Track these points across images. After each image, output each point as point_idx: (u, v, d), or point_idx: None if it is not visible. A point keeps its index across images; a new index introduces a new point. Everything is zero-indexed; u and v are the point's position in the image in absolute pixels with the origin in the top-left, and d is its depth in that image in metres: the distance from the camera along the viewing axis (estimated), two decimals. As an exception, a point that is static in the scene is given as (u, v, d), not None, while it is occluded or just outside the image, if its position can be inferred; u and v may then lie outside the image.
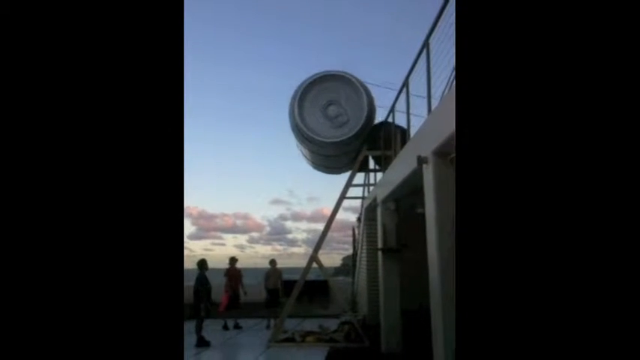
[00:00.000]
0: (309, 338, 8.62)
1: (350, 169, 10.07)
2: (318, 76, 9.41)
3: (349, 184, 9.85)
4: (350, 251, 14.62)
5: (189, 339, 8.41)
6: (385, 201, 7.78)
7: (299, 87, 9.37)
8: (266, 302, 10.95)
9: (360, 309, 11.18)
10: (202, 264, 8.71)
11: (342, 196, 9.74)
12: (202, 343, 8.24)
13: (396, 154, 7.40)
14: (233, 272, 10.77)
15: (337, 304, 11.17)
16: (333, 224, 9.87)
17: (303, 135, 9.28)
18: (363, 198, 11.47)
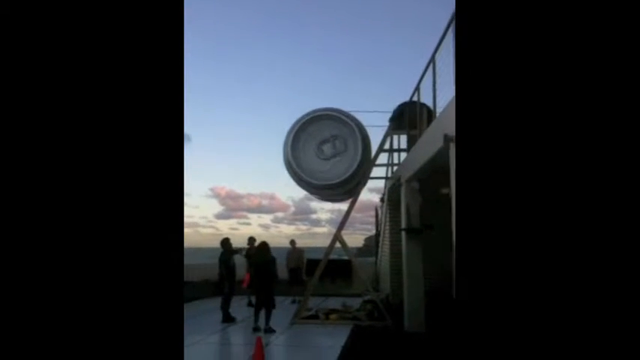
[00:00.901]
0: (332, 316, 8.73)
1: (349, 198, 9.94)
2: (310, 116, 9.34)
3: (372, 163, 9.81)
4: (373, 232, 14.65)
5: (217, 316, 8.64)
6: (409, 181, 7.73)
7: (292, 127, 9.33)
8: (289, 281, 11.18)
9: (382, 289, 11.25)
10: (225, 243, 8.85)
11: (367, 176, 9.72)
12: (228, 319, 8.44)
13: (421, 133, 7.32)
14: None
15: (360, 283, 11.26)
16: (357, 205, 9.89)
17: (299, 177, 9.25)
18: (386, 178, 11.42)
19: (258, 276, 7.84)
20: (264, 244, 8.22)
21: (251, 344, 5.94)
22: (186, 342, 6.87)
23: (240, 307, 8.80)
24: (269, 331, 7.43)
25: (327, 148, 9.17)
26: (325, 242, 10.09)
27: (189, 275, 15.29)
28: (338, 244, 9.59)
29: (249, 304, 10.21)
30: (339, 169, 8.99)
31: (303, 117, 9.37)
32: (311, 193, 9.82)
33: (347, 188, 9.54)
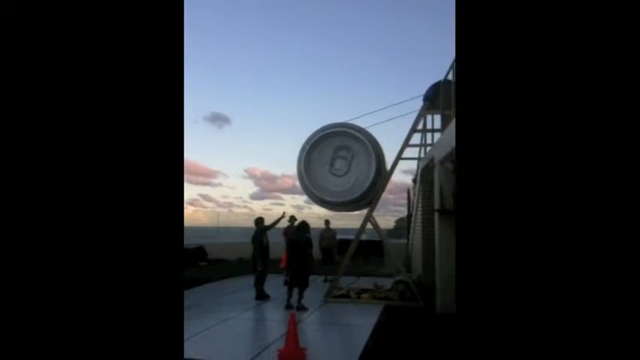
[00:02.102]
0: (364, 295, 8.80)
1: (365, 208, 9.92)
2: (323, 133, 9.38)
3: (406, 144, 9.68)
4: (404, 214, 14.57)
5: (251, 293, 8.86)
6: (443, 162, 7.60)
7: (305, 144, 9.40)
8: (322, 260, 11.33)
9: (414, 269, 11.22)
10: (259, 222, 8.99)
11: (399, 157, 9.61)
12: (262, 296, 8.62)
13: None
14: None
15: (391, 264, 11.26)
16: (390, 186, 9.86)
17: (312, 193, 9.33)
18: (419, 159, 11.27)
19: (293, 254, 7.97)
20: (304, 223, 8.39)
21: (284, 321, 6.08)
22: (219, 317, 7.11)
23: (276, 286, 8.95)
24: (301, 308, 7.57)
25: (339, 165, 9.24)
26: (356, 223, 10.12)
27: (223, 254, 15.72)
28: (370, 226, 9.60)
29: (286, 283, 10.39)
30: (352, 186, 9.05)
31: (316, 133, 9.49)
32: (323, 207, 9.90)
33: (360, 204, 9.61)
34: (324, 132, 9.40)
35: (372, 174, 9.05)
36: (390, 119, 10.47)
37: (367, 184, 9.04)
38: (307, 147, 9.39)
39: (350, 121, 9.69)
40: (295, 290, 7.80)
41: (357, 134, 9.34)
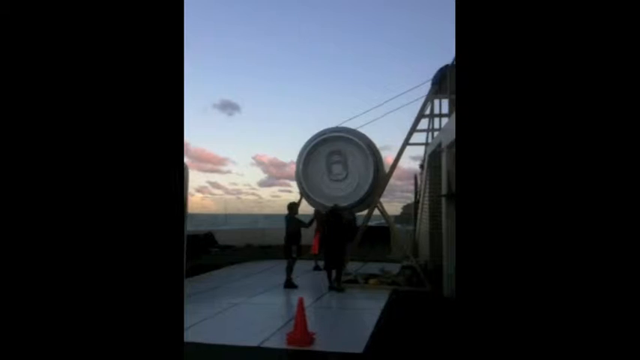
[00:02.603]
0: (371, 281, 8.86)
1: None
2: (320, 138, 9.42)
3: (413, 129, 9.65)
4: (411, 200, 14.56)
5: (258, 278, 8.94)
6: (451, 146, 7.58)
7: (303, 149, 9.46)
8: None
9: (421, 255, 11.27)
10: (291, 207, 8.95)
11: (406, 142, 9.59)
12: (290, 284, 8.50)
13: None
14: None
15: (398, 249, 11.30)
16: (398, 172, 9.85)
17: (312, 199, 9.39)
18: (426, 144, 11.23)
19: (330, 237, 8.28)
20: (336, 207, 8.62)
21: (292, 306, 6.16)
22: (229, 302, 7.19)
23: (305, 272, 9.03)
24: (338, 289, 7.91)
25: (337, 170, 9.32)
26: (365, 211, 10.16)
27: (232, 240, 15.87)
28: (377, 212, 9.63)
29: (317, 268, 10.44)
30: (357, 187, 9.14)
31: (303, 149, 9.58)
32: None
33: (368, 201, 9.65)
34: (311, 145, 9.52)
35: (371, 167, 9.16)
36: (401, 107, 10.43)
37: (370, 179, 9.12)
38: (301, 166, 9.51)
39: (363, 113, 9.82)
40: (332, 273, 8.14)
41: (343, 134, 9.48)
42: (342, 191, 9.25)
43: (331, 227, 8.47)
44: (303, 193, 9.65)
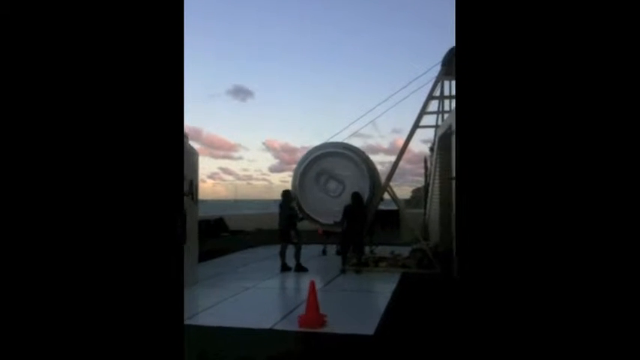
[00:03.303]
0: (382, 264, 8.91)
1: None
2: (315, 155, 9.53)
3: (423, 112, 9.56)
4: (421, 184, 14.51)
5: (273, 262, 9.03)
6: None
7: (298, 166, 9.60)
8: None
9: (431, 238, 11.27)
10: (286, 194, 9.01)
11: (416, 125, 9.52)
12: (300, 268, 8.59)
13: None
14: None
15: (408, 232, 11.31)
16: (409, 156, 9.89)
17: (334, 225, 9.36)
18: (436, 127, 11.14)
19: (350, 223, 8.50)
20: (357, 195, 8.76)
21: (304, 289, 6.22)
22: (241, 286, 7.29)
23: (312, 258, 9.12)
24: (355, 270, 8.20)
25: (333, 186, 9.41)
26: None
27: (242, 225, 15.99)
28: (387, 195, 9.62)
29: (339, 252, 10.55)
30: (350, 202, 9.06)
31: (308, 154, 9.71)
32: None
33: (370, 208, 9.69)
34: (300, 171, 9.59)
35: (366, 174, 9.36)
36: (415, 90, 10.33)
37: (367, 187, 9.27)
38: (297, 195, 9.58)
39: (377, 105, 9.92)
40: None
41: (331, 150, 9.64)
42: (340, 206, 9.26)
43: (352, 211, 8.57)
44: (305, 217, 9.74)
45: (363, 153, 9.98)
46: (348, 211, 8.60)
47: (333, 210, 9.27)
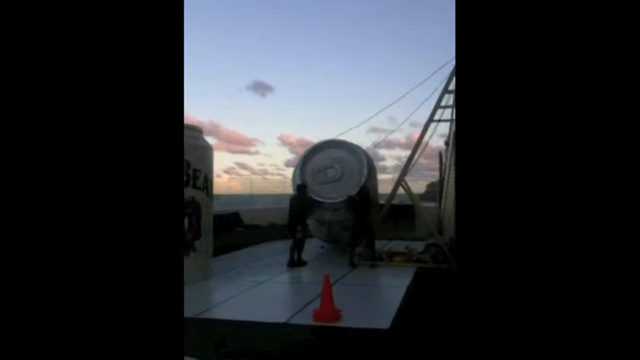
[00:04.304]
0: (396, 258, 8.86)
1: None
2: (314, 146, 9.78)
3: (438, 105, 9.47)
4: (436, 178, 14.39)
5: (285, 257, 9.06)
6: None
7: (300, 159, 9.76)
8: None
9: (446, 233, 11.18)
10: (300, 187, 9.05)
11: (430, 118, 9.43)
12: (301, 262, 8.65)
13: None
14: None
15: (423, 227, 11.23)
16: (426, 151, 9.76)
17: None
18: (452, 120, 11.01)
19: (357, 217, 8.58)
20: (366, 188, 8.86)
21: (318, 283, 6.21)
22: (256, 280, 7.32)
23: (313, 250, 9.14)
24: (371, 264, 8.34)
25: (332, 173, 9.41)
26: (390, 189, 10.12)
27: (257, 219, 16.06)
28: (401, 190, 9.56)
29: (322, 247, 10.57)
30: (346, 188, 9.12)
31: (301, 156, 9.87)
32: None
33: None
34: (297, 173, 9.64)
35: (363, 157, 9.44)
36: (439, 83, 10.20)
37: (364, 164, 9.32)
38: (302, 161, 9.69)
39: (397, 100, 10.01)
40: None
41: (320, 145, 9.79)
42: (348, 185, 9.27)
43: (359, 205, 8.58)
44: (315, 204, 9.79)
45: (358, 146, 10.12)
46: (354, 206, 8.62)
47: (338, 193, 9.31)
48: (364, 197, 8.70)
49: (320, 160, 9.62)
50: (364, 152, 9.76)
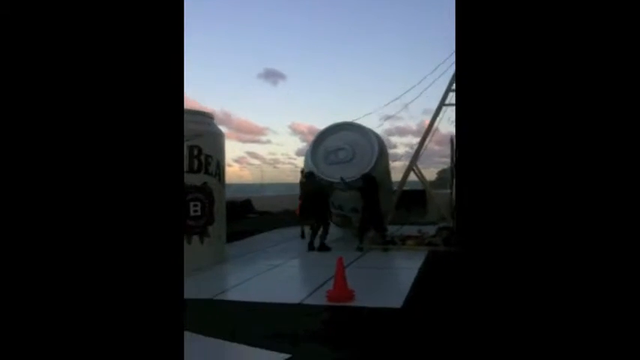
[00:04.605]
0: (408, 242, 8.91)
1: None
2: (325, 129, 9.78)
3: (448, 89, 9.42)
4: (447, 165, 14.34)
5: (297, 242, 9.15)
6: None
7: (313, 139, 9.84)
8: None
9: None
10: (310, 174, 9.14)
11: (442, 103, 9.39)
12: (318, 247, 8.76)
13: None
14: None
15: (434, 212, 11.24)
16: (439, 137, 9.75)
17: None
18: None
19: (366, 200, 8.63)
20: (370, 176, 8.83)
21: (331, 266, 6.29)
22: (269, 264, 7.43)
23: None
24: (384, 248, 8.38)
25: (343, 155, 9.39)
26: (400, 176, 10.14)
27: (268, 206, 16.19)
28: (412, 177, 9.57)
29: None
30: (357, 168, 9.11)
31: (320, 131, 9.96)
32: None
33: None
34: (309, 155, 9.68)
35: (374, 139, 9.42)
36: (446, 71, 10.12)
37: (376, 146, 9.32)
38: (314, 142, 9.74)
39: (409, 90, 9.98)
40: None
41: (333, 128, 9.78)
42: (361, 163, 9.27)
43: (366, 190, 8.63)
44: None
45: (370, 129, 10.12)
46: (362, 191, 8.69)
47: (349, 174, 9.34)
48: (371, 182, 8.73)
49: (332, 142, 9.61)
50: (375, 134, 9.72)
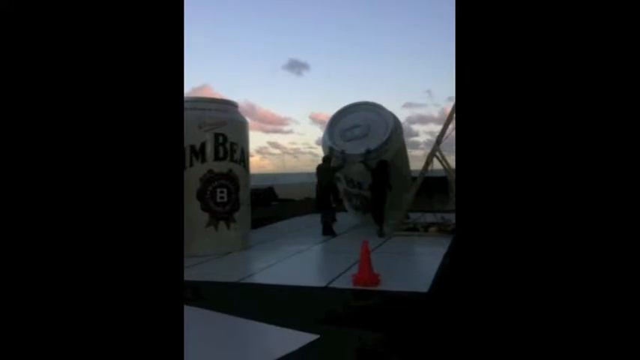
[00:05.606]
0: (431, 229, 8.88)
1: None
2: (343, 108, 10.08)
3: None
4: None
5: (320, 229, 9.22)
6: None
7: (330, 119, 10.15)
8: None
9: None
10: (326, 159, 9.20)
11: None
12: (329, 232, 8.96)
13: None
14: None
15: (458, 199, 11.08)
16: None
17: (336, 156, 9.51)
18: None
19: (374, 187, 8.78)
20: (383, 162, 8.91)
21: (355, 252, 6.34)
22: (294, 250, 7.51)
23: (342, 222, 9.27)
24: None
25: (358, 132, 9.64)
26: (421, 164, 10.08)
27: (291, 194, 16.31)
28: (436, 165, 9.49)
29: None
30: (372, 143, 9.23)
31: (338, 111, 10.21)
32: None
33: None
34: (326, 137, 9.85)
35: (390, 117, 9.64)
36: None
37: (391, 122, 9.51)
38: (331, 121, 9.98)
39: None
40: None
41: (350, 108, 10.07)
42: (376, 135, 9.54)
43: (377, 175, 8.80)
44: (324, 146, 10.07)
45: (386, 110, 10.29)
46: (373, 175, 8.82)
47: (376, 142, 9.46)
48: (382, 167, 8.80)
49: (348, 120, 9.93)
50: (391, 114, 9.97)
